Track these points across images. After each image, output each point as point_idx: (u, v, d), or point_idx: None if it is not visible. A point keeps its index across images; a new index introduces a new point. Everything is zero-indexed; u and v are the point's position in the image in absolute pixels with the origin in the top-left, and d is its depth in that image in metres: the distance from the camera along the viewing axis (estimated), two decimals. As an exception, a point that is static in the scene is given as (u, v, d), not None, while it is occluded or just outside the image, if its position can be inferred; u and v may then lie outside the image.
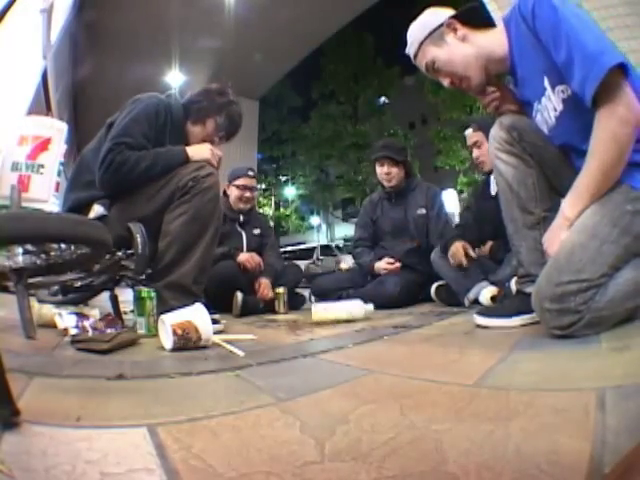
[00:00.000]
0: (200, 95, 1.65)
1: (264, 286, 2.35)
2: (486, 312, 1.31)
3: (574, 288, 0.95)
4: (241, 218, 2.63)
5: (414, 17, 1.28)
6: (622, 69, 0.92)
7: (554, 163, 1.19)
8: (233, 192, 2.63)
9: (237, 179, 2.64)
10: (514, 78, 1.22)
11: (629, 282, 0.97)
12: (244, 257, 2.43)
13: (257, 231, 2.68)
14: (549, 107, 1.12)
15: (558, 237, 1.04)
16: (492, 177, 2.09)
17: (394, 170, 2.51)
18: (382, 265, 2.44)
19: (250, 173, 2.68)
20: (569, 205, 1.04)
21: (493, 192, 2.07)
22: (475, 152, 2.17)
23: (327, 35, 13.40)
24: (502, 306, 1.40)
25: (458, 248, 2.01)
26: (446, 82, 1.24)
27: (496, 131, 1.23)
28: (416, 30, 1.25)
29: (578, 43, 0.96)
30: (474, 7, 1.25)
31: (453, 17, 1.21)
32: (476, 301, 1.90)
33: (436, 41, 1.22)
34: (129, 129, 1.46)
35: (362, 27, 16.12)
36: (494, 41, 1.18)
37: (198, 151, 1.51)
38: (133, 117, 1.48)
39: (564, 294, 0.96)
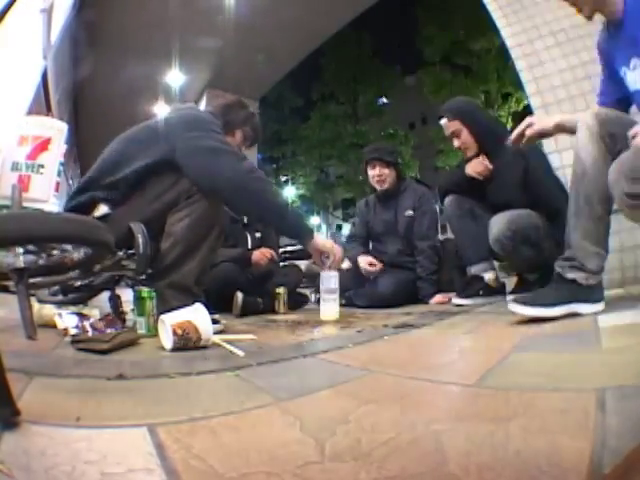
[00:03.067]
0: (225, 108, 1.73)
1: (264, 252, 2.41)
2: (524, 300, 1.24)
3: None
4: (245, 219, 2.59)
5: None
6: None
7: None
8: None
9: None
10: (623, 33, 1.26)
11: None
12: (257, 256, 2.42)
13: (258, 234, 2.65)
14: None
15: None
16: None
17: (385, 172, 2.53)
18: (363, 264, 2.46)
19: None
20: None
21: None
22: (456, 142, 2.07)
23: (327, 35, 13.37)
24: (541, 294, 1.28)
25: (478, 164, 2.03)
26: None
27: (590, 119, 1.25)
28: None
29: None
30: None
31: None
32: (475, 277, 2.00)
33: None
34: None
35: (362, 27, 16.10)
36: None
37: (324, 241, 1.65)
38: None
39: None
